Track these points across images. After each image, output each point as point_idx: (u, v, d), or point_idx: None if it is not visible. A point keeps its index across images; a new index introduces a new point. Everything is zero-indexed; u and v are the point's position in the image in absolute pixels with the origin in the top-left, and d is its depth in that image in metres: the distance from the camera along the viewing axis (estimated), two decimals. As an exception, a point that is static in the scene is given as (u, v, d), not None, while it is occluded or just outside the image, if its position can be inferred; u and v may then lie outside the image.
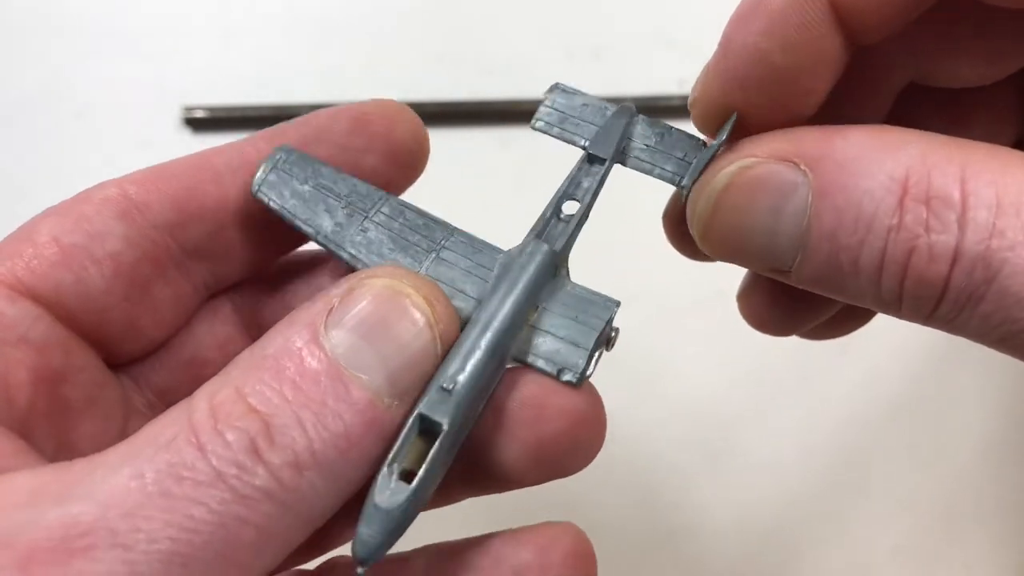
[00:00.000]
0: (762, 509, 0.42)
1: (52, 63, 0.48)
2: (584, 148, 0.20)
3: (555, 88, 0.21)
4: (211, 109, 0.47)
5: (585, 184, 0.20)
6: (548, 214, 0.19)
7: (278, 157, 0.19)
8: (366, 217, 0.18)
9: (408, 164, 0.20)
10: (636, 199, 0.48)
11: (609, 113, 0.20)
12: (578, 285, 0.19)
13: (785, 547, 0.42)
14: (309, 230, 0.18)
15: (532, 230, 0.19)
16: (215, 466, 0.13)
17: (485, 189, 0.46)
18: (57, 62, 0.48)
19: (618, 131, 0.19)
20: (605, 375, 0.43)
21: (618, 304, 0.18)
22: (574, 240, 0.19)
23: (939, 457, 0.43)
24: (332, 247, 0.18)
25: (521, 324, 0.17)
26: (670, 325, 0.42)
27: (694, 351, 0.41)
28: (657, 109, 0.47)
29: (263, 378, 0.14)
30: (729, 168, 0.16)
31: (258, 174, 0.19)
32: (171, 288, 0.19)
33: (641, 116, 0.20)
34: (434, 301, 0.15)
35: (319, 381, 0.14)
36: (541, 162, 0.48)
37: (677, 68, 0.48)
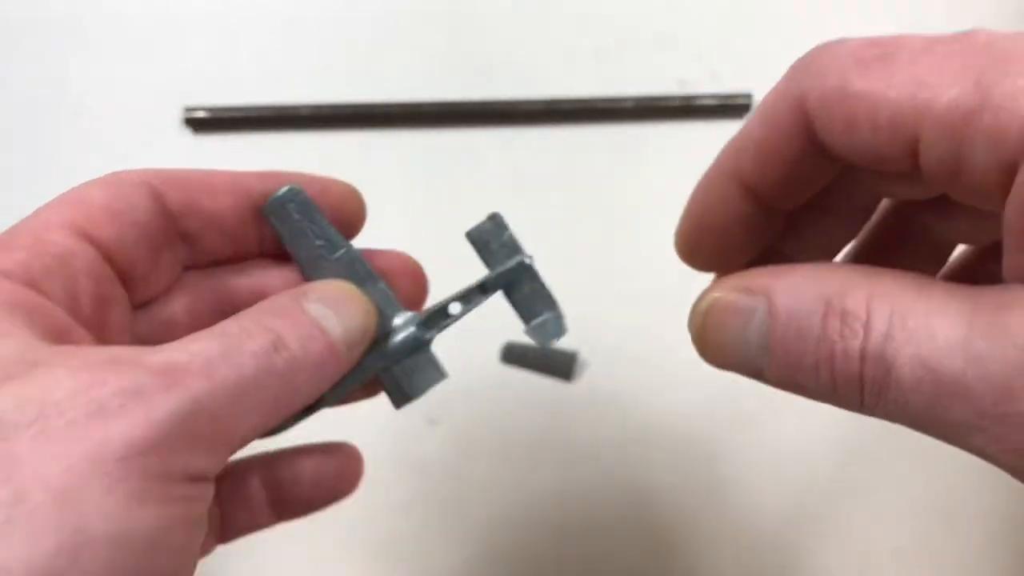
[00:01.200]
0: (761, 510, 0.42)
1: (52, 63, 0.49)
2: (485, 278, 0.26)
3: (494, 216, 0.26)
4: (211, 109, 0.47)
5: (471, 299, 0.26)
6: (435, 308, 0.26)
7: (292, 192, 0.26)
8: (329, 256, 0.26)
9: (351, 225, 0.27)
10: (635, 204, 0.49)
11: (512, 260, 0.26)
12: (431, 357, 0.27)
13: (784, 548, 0.42)
14: (290, 251, 0.26)
15: (421, 313, 0.26)
16: (255, 350, 0.20)
17: (485, 189, 0.46)
18: (57, 62, 0.49)
19: (508, 276, 0.26)
20: (604, 376, 0.43)
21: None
22: (444, 329, 0.27)
23: (939, 457, 0.43)
24: (302, 265, 0.26)
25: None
26: (668, 326, 0.42)
27: (691, 354, 0.41)
28: (657, 109, 0.47)
29: (273, 318, 0.22)
30: (707, 298, 0.21)
31: (273, 198, 0.26)
32: (169, 257, 0.25)
33: (531, 272, 0.26)
34: (370, 301, 0.25)
35: (303, 323, 0.22)
36: (541, 162, 0.48)
37: (677, 68, 0.48)
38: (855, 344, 0.18)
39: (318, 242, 0.26)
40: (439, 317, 0.26)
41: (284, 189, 0.26)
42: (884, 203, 0.24)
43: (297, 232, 0.26)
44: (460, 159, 0.47)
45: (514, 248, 0.26)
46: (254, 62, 0.48)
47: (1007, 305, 0.16)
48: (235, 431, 0.20)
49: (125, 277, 0.24)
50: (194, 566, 0.20)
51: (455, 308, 0.26)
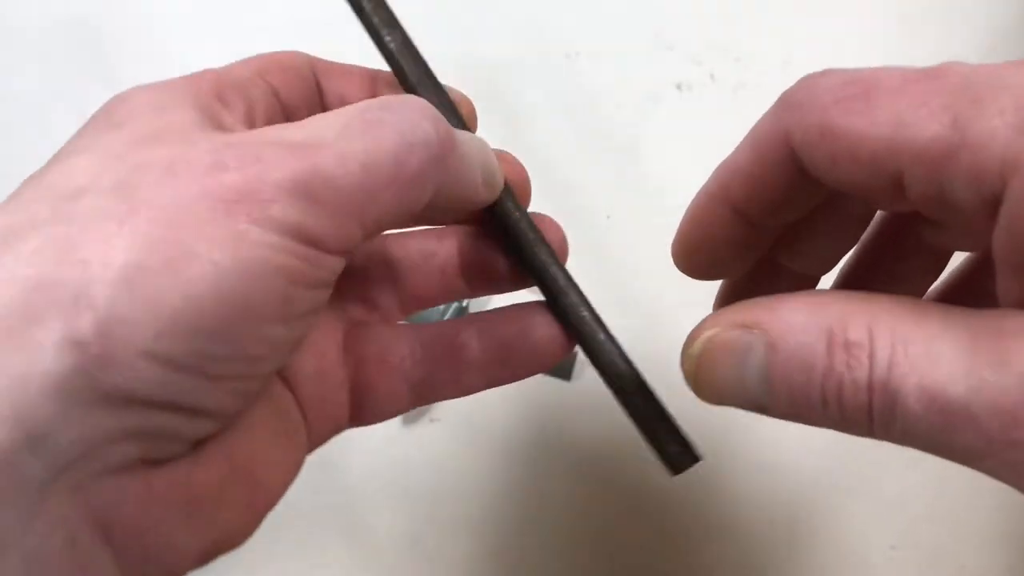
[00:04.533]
0: (759, 510, 0.42)
1: (53, 63, 0.49)
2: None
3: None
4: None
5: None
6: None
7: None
8: None
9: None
10: (633, 207, 0.49)
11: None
12: None
13: (782, 547, 0.42)
14: None
15: None
16: (390, 135, 0.20)
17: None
18: (58, 62, 0.49)
19: None
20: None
21: None
22: None
23: (936, 457, 0.43)
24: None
25: None
26: (667, 327, 0.42)
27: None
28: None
29: (411, 112, 0.21)
30: (701, 337, 0.21)
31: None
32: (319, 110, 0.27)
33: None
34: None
35: (440, 126, 0.21)
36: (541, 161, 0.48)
37: (675, 71, 0.48)
38: (862, 375, 0.18)
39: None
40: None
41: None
42: (879, 214, 0.25)
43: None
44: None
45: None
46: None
47: (1007, 333, 0.17)
48: (358, 206, 0.19)
49: (289, 117, 0.25)
50: (299, 336, 0.20)
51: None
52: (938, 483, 0.43)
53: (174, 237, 0.17)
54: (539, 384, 0.43)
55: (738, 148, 0.22)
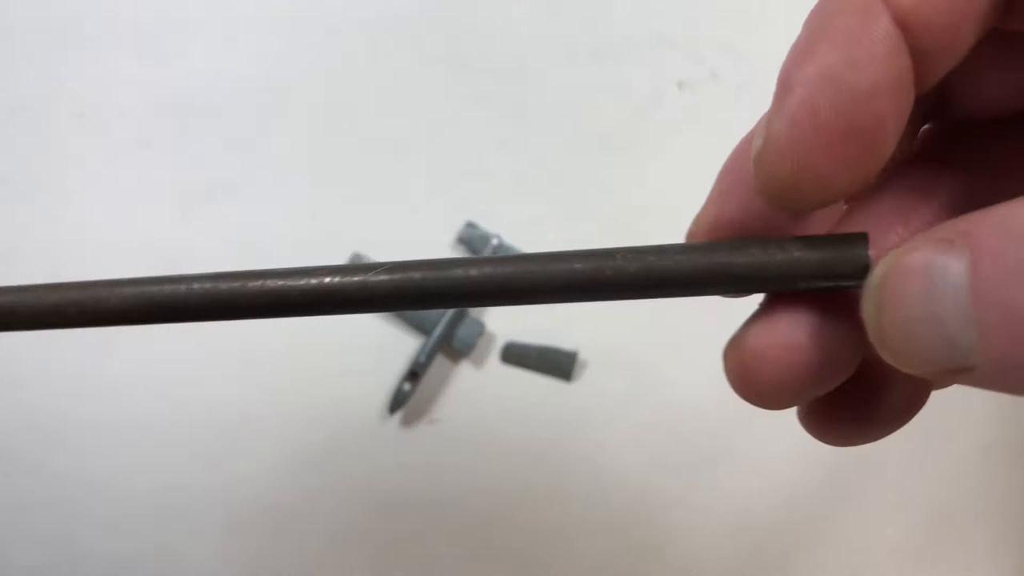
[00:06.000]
0: (760, 511, 0.42)
1: (52, 64, 0.48)
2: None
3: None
4: (211, 109, 0.47)
5: None
6: None
7: None
8: None
9: None
10: (631, 207, 0.49)
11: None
12: None
13: (783, 549, 0.42)
14: None
15: None
16: None
17: (486, 188, 0.46)
18: (57, 63, 0.48)
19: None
20: (602, 378, 0.43)
21: None
22: None
23: (937, 457, 0.43)
24: None
25: None
26: (667, 328, 0.42)
27: (690, 354, 0.41)
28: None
29: None
30: (884, 261, 0.14)
31: None
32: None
33: None
34: None
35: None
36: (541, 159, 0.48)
37: (676, 69, 0.48)
38: None
39: None
40: None
41: None
42: None
43: None
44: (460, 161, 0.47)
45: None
46: (254, 62, 0.48)
47: None
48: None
49: None
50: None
51: None
52: (940, 486, 0.43)
53: None
54: (539, 384, 0.43)
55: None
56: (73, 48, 0.49)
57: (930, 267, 0.13)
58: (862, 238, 0.16)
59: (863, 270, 0.16)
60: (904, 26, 0.15)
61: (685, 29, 0.49)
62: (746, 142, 0.17)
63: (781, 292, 0.17)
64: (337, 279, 0.18)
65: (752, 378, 0.17)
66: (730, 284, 0.17)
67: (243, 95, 0.47)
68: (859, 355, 0.17)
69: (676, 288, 0.17)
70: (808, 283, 0.17)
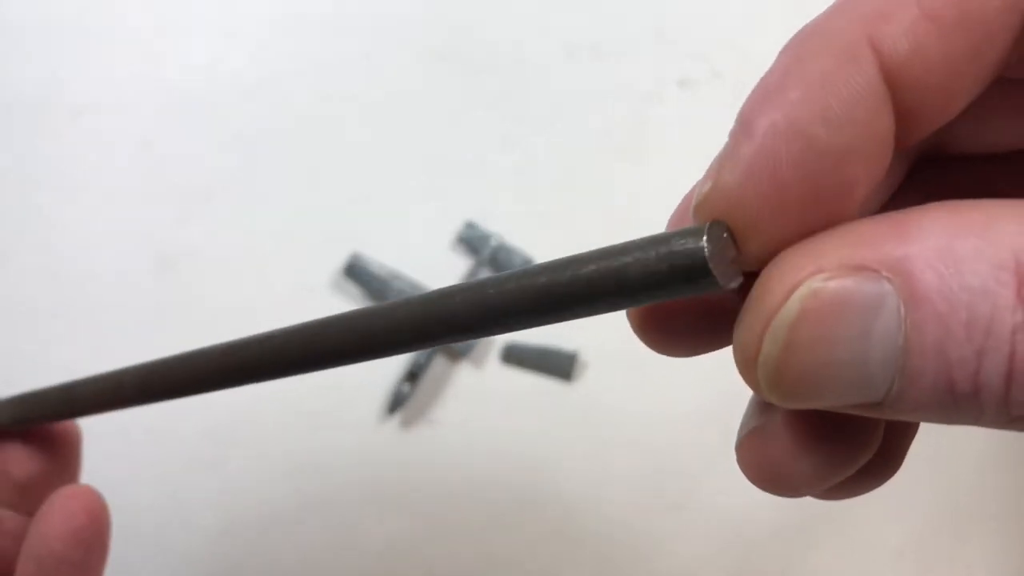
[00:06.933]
0: (761, 513, 0.42)
1: (51, 63, 0.48)
2: None
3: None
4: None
5: None
6: None
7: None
8: None
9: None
10: (631, 206, 0.49)
11: None
12: None
13: (785, 550, 0.42)
14: None
15: None
16: None
17: (486, 187, 0.46)
18: (57, 62, 0.48)
19: None
20: (606, 377, 0.43)
21: None
22: None
23: (940, 458, 0.43)
24: None
25: None
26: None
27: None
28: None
29: None
30: (798, 293, 0.12)
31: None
32: None
33: None
34: None
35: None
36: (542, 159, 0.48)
37: (676, 67, 0.48)
38: None
39: None
40: None
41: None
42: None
43: None
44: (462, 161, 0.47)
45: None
46: (254, 62, 0.48)
47: None
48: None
49: None
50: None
51: None
52: (944, 485, 0.42)
53: None
54: (539, 384, 0.43)
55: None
56: (72, 47, 0.49)
57: (865, 307, 0.12)
58: (699, 230, 0.13)
59: (702, 265, 0.13)
60: (892, 81, 0.13)
61: (686, 26, 0.49)
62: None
63: (636, 307, 0.15)
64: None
65: (775, 484, 0.17)
66: (582, 304, 0.15)
67: (243, 94, 0.47)
68: (878, 438, 0.16)
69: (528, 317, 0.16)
70: (653, 291, 0.14)
